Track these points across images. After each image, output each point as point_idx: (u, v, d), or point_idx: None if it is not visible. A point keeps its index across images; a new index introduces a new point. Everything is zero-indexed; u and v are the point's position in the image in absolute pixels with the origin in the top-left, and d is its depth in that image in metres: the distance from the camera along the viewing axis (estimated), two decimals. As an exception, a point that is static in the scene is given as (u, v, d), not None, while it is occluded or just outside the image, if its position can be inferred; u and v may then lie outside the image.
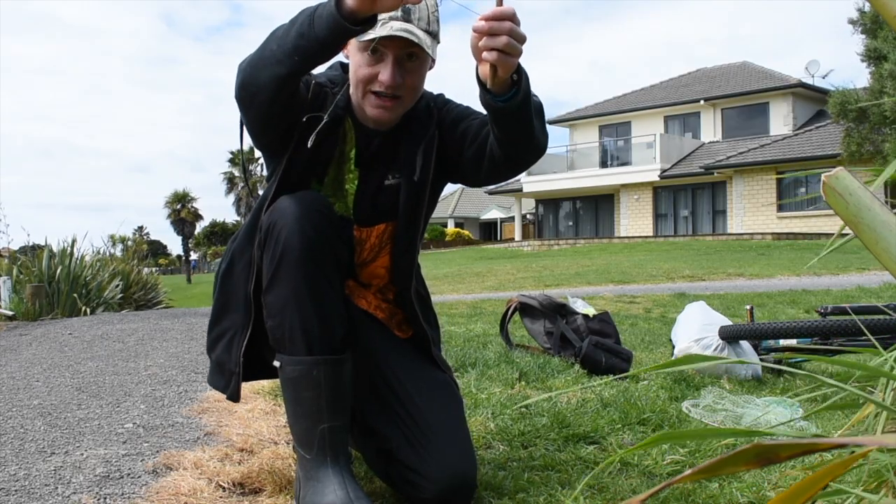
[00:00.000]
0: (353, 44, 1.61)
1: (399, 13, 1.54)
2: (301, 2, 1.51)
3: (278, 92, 1.52)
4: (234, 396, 1.73)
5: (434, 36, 1.61)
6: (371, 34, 1.52)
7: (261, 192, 1.74)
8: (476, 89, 1.49)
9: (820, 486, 0.50)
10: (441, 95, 1.82)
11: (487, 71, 1.41)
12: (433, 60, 1.67)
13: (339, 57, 1.67)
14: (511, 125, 1.52)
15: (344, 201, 1.75)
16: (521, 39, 1.38)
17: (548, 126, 1.69)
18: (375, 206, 1.75)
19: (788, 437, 2.05)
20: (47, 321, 6.27)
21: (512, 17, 1.36)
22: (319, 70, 1.61)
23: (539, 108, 1.58)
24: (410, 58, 1.60)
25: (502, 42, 1.35)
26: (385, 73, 1.58)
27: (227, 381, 1.72)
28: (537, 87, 1.52)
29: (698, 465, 0.50)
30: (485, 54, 1.37)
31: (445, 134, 1.75)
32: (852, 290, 7.86)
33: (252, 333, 1.66)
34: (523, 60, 1.43)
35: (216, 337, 1.74)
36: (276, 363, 1.58)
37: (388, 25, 1.53)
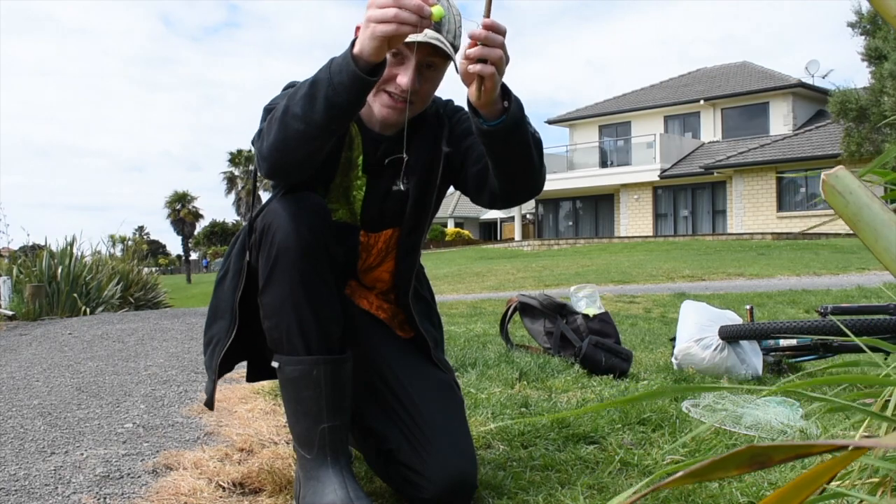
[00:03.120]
0: None
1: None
2: (296, 4, 1.49)
3: (316, 160, 1.52)
4: (209, 403, 1.76)
5: (457, 50, 1.61)
6: (409, 38, 1.49)
7: (261, 194, 1.74)
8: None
9: (815, 487, 0.49)
10: (450, 101, 1.81)
11: (474, 90, 1.39)
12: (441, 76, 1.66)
13: None
14: (503, 152, 1.51)
15: (349, 207, 1.74)
16: (507, 59, 1.38)
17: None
18: (383, 212, 1.75)
19: (789, 437, 2.04)
20: (47, 321, 6.27)
21: (504, 33, 1.36)
22: None
23: (538, 143, 1.56)
24: (429, 67, 1.60)
25: (497, 55, 1.35)
26: (404, 77, 1.57)
27: (209, 387, 1.75)
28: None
29: (688, 468, 0.48)
30: (475, 66, 1.36)
31: (453, 142, 1.74)
32: (852, 290, 7.85)
33: (252, 335, 1.66)
34: (518, 66, 1.42)
35: (206, 343, 1.77)
36: (275, 364, 1.58)
37: (422, 33, 1.51)
